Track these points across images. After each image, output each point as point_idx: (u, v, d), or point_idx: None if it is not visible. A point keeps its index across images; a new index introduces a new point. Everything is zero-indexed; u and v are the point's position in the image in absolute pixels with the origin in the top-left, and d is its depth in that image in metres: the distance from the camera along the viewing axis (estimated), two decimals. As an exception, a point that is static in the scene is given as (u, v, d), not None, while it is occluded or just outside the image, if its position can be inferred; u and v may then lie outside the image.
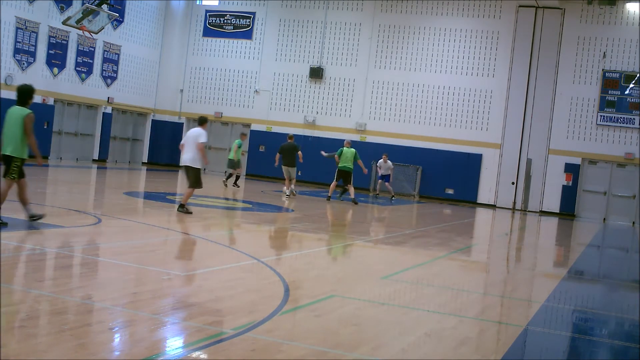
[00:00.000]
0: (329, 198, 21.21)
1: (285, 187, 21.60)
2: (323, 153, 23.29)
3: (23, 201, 9.96)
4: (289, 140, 21.78)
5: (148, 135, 32.22)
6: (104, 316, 5.78)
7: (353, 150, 21.42)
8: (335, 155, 21.42)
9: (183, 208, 13.18)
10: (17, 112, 9.66)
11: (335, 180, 21.44)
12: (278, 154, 21.81)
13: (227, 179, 23.15)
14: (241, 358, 4.94)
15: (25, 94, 9.79)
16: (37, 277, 6.96)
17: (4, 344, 4.64)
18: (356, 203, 20.65)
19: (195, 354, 4.99)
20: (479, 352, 5.82)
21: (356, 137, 29.41)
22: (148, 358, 4.71)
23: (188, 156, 13.28)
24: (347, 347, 5.50)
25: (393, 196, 26.04)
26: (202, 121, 13.75)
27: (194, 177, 13.24)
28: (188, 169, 13.38)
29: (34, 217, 10.04)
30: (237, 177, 23.05)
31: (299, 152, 21.44)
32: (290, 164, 21.26)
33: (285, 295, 7.04)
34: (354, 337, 5.86)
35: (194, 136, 13.30)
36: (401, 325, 6.45)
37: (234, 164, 22.74)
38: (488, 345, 6.19)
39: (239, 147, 22.85)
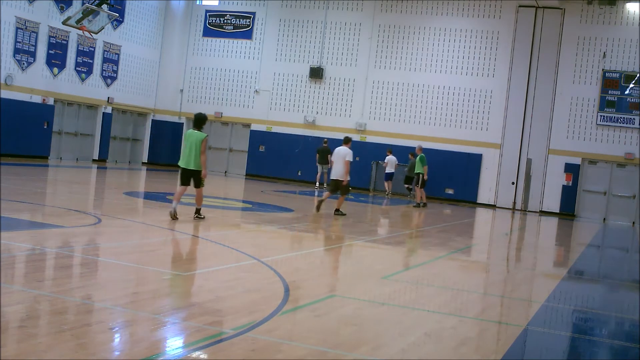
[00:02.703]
0: (424, 204, 22.95)
1: (317, 182, 27.32)
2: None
3: (198, 202, 12.43)
4: (324, 145, 26.73)
5: (148, 135, 32.23)
6: (104, 316, 5.78)
7: (420, 155, 22.88)
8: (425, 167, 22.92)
9: (338, 212, 15.94)
10: (196, 136, 12.16)
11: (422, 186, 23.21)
12: (317, 154, 26.86)
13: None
14: (241, 358, 4.93)
15: (201, 121, 12.39)
16: (37, 277, 6.96)
17: (4, 344, 4.64)
18: (425, 205, 22.82)
19: (195, 354, 4.99)
20: (479, 352, 5.82)
21: (356, 137, 29.41)
22: (148, 358, 4.71)
23: (337, 171, 15.84)
24: (347, 347, 5.50)
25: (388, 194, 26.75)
26: (347, 140, 16.27)
27: (343, 187, 15.89)
28: (337, 181, 15.89)
29: (199, 216, 12.39)
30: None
31: (329, 156, 25.90)
32: (324, 163, 26.07)
33: (285, 295, 7.04)
34: (354, 337, 5.86)
35: (342, 155, 15.79)
36: (401, 325, 6.45)
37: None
38: (488, 345, 6.19)
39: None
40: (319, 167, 27.17)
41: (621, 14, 26.57)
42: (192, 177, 12.24)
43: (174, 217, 11.92)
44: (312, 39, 30.27)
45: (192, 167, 12.15)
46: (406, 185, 26.41)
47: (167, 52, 32.11)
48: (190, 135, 12.25)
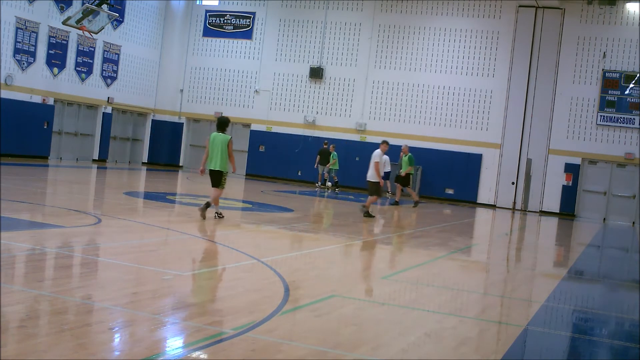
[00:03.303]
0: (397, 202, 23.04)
1: (319, 182, 27.82)
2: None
3: (216, 201, 12.90)
4: (324, 146, 27.29)
5: (148, 135, 32.24)
6: (104, 316, 5.78)
7: (409, 155, 22.85)
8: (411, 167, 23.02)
9: (366, 211, 16.49)
10: (221, 138, 12.76)
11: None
12: (318, 155, 27.27)
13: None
14: (241, 358, 4.94)
15: (224, 124, 12.97)
16: (37, 277, 6.96)
17: (4, 344, 4.64)
18: (397, 204, 22.77)
19: (195, 354, 4.99)
20: (479, 352, 5.82)
21: (356, 137, 29.44)
22: (148, 358, 4.71)
23: (368, 173, 16.66)
24: (347, 347, 5.50)
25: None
26: (382, 143, 17.23)
27: (373, 189, 16.55)
28: (368, 182, 16.66)
29: (204, 211, 12.67)
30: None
31: (330, 156, 27.09)
32: (325, 163, 27.11)
33: (285, 295, 7.04)
34: (354, 337, 5.86)
35: (372, 157, 16.60)
36: (401, 325, 6.45)
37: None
38: (488, 345, 6.19)
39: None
40: (320, 168, 27.41)
41: (621, 14, 26.57)
42: (215, 177, 12.84)
43: (219, 216, 12.88)
44: (312, 39, 30.27)
45: (217, 168, 12.77)
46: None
47: (167, 52, 32.11)
48: (215, 138, 12.83)
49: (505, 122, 27.67)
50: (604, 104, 26.50)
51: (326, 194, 25.46)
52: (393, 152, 27.17)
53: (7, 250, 7.83)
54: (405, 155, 22.59)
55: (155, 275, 7.53)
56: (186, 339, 5.33)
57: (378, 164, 16.42)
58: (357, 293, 7.81)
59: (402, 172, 22.44)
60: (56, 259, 8.01)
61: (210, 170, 12.89)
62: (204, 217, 12.57)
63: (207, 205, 12.75)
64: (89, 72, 28.12)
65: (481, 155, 27.83)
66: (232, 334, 5.46)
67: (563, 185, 27.02)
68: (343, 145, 29.23)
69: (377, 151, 16.65)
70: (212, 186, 12.94)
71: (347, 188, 28.67)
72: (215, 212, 12.94)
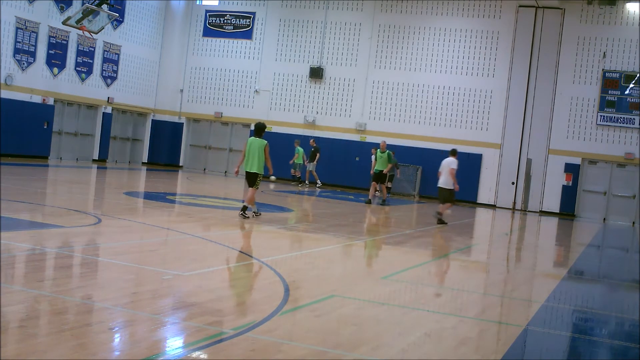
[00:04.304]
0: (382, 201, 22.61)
1: (318, 182, 28.10)
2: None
3: (251, 201, 13.72)
4: (312, 144, 27.96)
5: (148, 135, 32.24)
6: (104, 316, 5.78)
7: (388, 152, 22.45)
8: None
9: (439, 218, 16.97)
10: (258, 142, 13.73)
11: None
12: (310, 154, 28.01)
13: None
14: (241, 358, 4.94)
15: (261, 129, 13.91)
16: (37, 277, 6.96)
17: (4, 344, 4.64)
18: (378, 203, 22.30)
19: (195, 354, 4.99)
20: (479, 352, 5.82)
21: (356, 137, 29.43)
22: (148, 358, 4.71)
23: (443, 180, 16.71)
24: (347, 347, 5.50)
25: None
26: (453, 152, 17.10)
27: (449, 196, 16.76)
28: (442, 189, 16.76)
29: (244, 215, 13.47)
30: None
31: (318, 154, 27.74)
32: (311, 160, 27.90)
33: (285, 295, 7.04)
34: (354, 337, 5.86)
35: (447, 164, 16.66)
36: (401, 325, 6.45)
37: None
38: (488, 345, 6.19)
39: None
40: (310, 166, 27.85)
41: (621, 14, 26.57)
42: (251, 178, 13.69)
43: (257, 214, 13.81)
44: (312, 39, 30.27)
45: (254, 170, 13.68)
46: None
47: (167, 52, 32.11)
48: (252, 143, 13.77)
49: (505, 122, 27.68)
50: (604, 104, 26.50)
51: (303, 188, 26.26)
52: (400, 152, 27.18)
53: (7, 250, 7.83)
54: (383, 152, 22.00)
55: (155, 275, 7.53)
56: (186, 339, 5.33)
57: (454, 170, 16.52)
58: (357, 293, 7.81)
59: (385, 170, 22.21)
60: (56, 259, 8.01)
61: (247, 172, 13.74)
62: (246, 217, 13.42)
63: (245, 208, 13.58)
64: (89, 72, 28.12)
65: (481, 155, 27.83)
66: (232, 334, 5.46)
67: (563, 185, 27.02)
68: (343, 145, 29.24)
69: (452, 158, 16.74)
70: (249, 187, 13.79)
71: (347, 188, 28.68)
72: (253, 212, 13.73)
